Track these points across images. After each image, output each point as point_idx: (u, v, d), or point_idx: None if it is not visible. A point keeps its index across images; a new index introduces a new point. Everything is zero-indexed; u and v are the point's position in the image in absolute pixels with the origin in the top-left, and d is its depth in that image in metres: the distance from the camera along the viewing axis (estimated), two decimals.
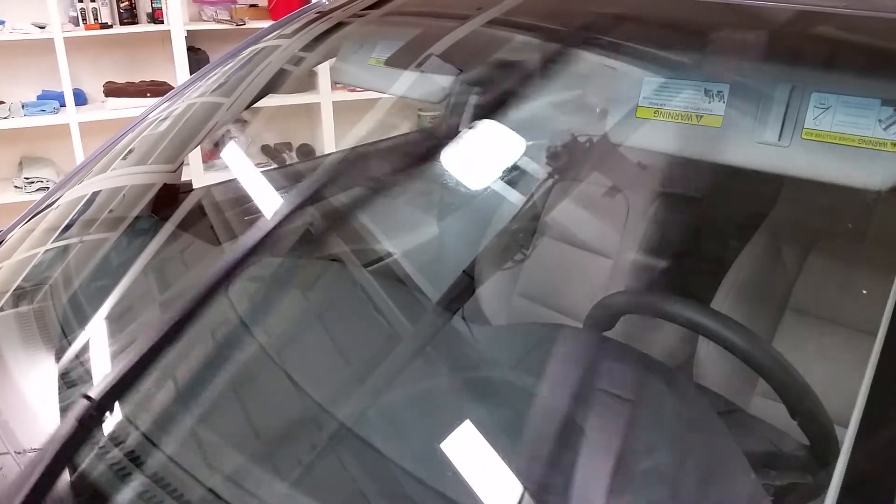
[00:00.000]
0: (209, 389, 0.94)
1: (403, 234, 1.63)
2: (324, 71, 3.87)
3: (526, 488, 0.66)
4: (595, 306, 0.90)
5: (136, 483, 0.72)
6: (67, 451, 0.73)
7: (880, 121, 0.74)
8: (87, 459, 0.75)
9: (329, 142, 3.95)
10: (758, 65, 0.88)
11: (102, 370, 0.99)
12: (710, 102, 0.87)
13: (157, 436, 0.80)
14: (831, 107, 0.78)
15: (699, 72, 0.91)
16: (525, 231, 1.31)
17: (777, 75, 0.83)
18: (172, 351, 1.05)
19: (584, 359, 0.76)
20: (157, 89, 3.60)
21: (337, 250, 1.41)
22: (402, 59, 1.28)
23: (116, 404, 0.82)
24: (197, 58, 3.70)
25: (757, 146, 0.83)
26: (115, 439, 0.78)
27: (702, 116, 0.87)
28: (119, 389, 0.80)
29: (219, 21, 3.78)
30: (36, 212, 1.55)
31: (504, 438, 0.70)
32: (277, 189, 1.65)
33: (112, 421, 0.81)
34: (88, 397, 0.87)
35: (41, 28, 3.41)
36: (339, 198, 1.60)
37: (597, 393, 0.71)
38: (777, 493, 0.69)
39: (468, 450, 0.68)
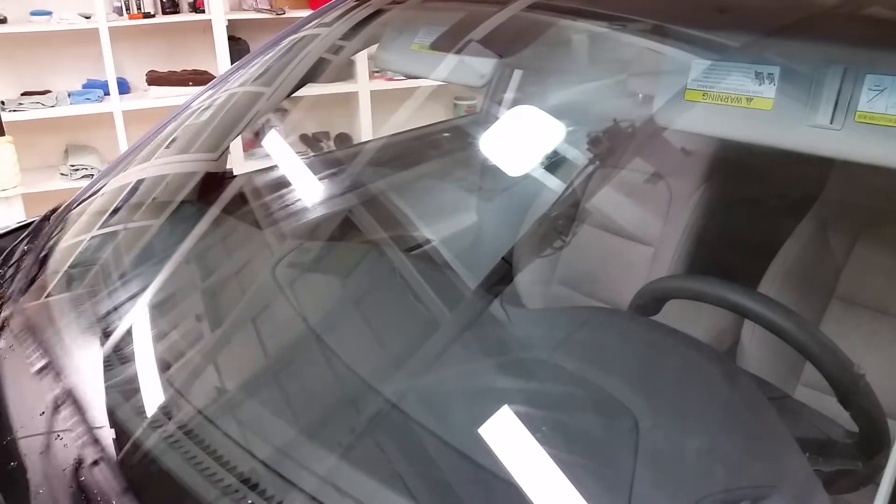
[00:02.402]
0: (257, 367, 0.96)
1: (443, 221, 1.63)
2: (362, 60, 3.89)
3: (570, 467, 0.66)
4: (640, 291, 0.89)
5: (187, 452, 0.74)
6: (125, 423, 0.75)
7: None
8: (140, 431, 0.78)
9: (366, 131, 3.98)
10: (809, 46, 0.86)
11: (153, 350, 1.02)
12: (760, 85, 0.85)
13: (208, 409, 0.82)
14: (886, 89, 0.76)
15: (749, 54, 0.89)
16: (564, 218, 1.30)
17: (829, 57, 0.81)
18: (222, 331, 1.08)
19: (629, 341, 0.76)
20: (199, 78, 3.65)
21: (376, 236, 1.42)
22: (445, 44, 1.28)
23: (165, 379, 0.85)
24: (237, 47, 3.75)
25: (808, 129, 0.81)
26: (167, 413, 0.81)
27: (752, 99, 0.86)
28: (168, 366, 0.82)
29: (259, 10, 3.81)
30: (84, 198, 1.59)
31: (548, 419, 0.70)
32: (317, 176, 1.66)
33: (162, 394, 0.83)
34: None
35: (87, 18, 3.48)
36: (378, 184, 1.61)
37: (643, 374, 0.71)
38: (826, 479, 0.68)
39: (509, 430, 0.68)
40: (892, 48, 0.79)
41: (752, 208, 1.43)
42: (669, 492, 0.64)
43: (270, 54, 1.68)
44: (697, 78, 0.91)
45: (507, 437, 0.67)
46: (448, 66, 1.32)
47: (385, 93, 3.91)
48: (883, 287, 1.22)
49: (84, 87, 3.68)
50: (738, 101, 0.87)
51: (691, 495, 0.62)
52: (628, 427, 0.64)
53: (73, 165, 3.64)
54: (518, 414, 0.68)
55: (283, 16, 3.77)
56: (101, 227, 1.47)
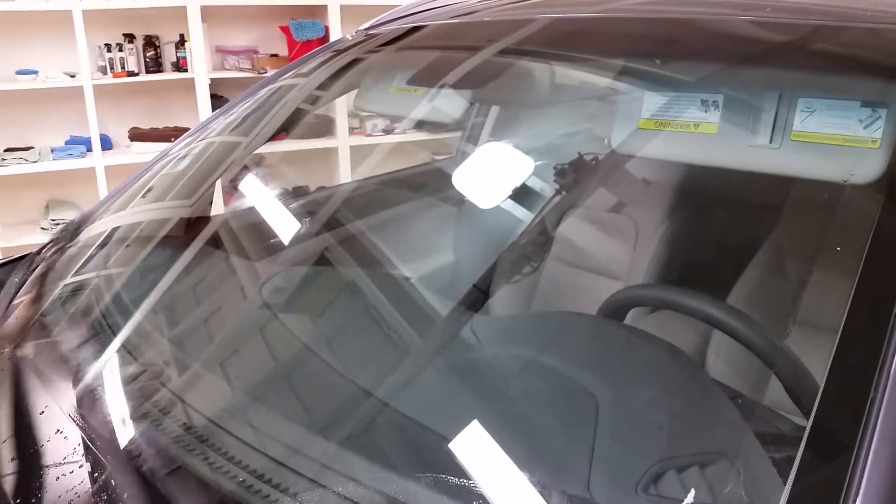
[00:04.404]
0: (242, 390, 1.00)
1: (420, 259, 1.69)
2: (341, 116, 4.00)
3: (538, 441, 0.70)
4: (605, 302, 0.95)
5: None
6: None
7: (861, 120, 0.81)
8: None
9: None
10: (748, 76, 0.95)
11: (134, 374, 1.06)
12: (706, 112, 0.94)
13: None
14: (816, 110, 0.85)
15: (695, 85, 0.98)
16: (534, 245, 1.37)
17: (766, 84, 0.90)
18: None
19: (594, 337, 0.81)
20: (181, 134, 3.72)
21: (354, 274, 1.48)
22: (422, 81, 1.37)
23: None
24: (219, 104, 3.84)
25: (750, 149, 0.89)
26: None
27: (698, 125, 0.94)
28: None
29: (241, 70, 3.93)
30: (58, 247, 1.64)
31: (517, 402, 0.75)
32: (297, 216, 1.72)
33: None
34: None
35: (72, 77, 3.56)
36: (356, 225, 1.67)
37: (605, 363, 0.76)
38: (777, 464, 0.73)
39: (481, 412, 0.73)
40: (819, 74, 0.88)
41: (714, 241, 1.51)
42: (626, 459, 0.68)
43: (249, 103, 1.75)
44: (650, 109, 1.00)
45: (478, 417, 0.71)
46: (425, 106, 1.40)
47: (364, 148, 4.02)
48: (840, 309, 1.28)
49: (67, 143, 3.74)
50: (687, 127, 0.95)
51: (646, 462, 0.67)
52: (590, 406, 0.69)
53: (53, 220, 3.67)
54: (489, 398, 0.73)
55: (264, 74, 3.88)
56: (75, 275, 1.50)
